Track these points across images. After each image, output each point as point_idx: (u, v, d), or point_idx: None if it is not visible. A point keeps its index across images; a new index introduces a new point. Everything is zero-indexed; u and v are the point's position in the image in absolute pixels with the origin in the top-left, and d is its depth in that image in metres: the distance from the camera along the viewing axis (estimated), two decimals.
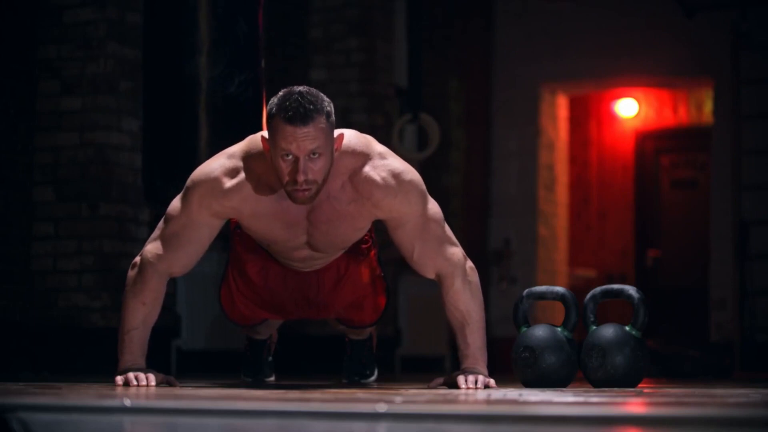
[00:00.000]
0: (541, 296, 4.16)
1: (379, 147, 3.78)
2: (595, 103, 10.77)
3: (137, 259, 3.83)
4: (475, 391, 3.63)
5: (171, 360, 6.34)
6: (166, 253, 3.78)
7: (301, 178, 3.54)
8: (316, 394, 3.30)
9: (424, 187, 3.80)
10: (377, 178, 3.72)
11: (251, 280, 4.06)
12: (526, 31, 9.60)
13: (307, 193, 3.58)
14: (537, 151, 9.65)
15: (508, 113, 9.65)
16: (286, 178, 3.57)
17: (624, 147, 10.75)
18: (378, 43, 7.70)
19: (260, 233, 3.87)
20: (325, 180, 3.61)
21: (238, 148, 3.77)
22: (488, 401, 2.98)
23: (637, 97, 10.64)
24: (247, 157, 3.72)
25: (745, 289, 8.25)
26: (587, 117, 10.79)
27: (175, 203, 3.81)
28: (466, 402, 2.93)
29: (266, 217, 3.78)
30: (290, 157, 3.54)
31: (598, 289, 4.13)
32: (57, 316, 5.98)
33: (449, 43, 9.15)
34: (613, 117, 10.77)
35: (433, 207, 3.82)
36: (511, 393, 3.42)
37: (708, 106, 10.06)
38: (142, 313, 3.78)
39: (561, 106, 9.99)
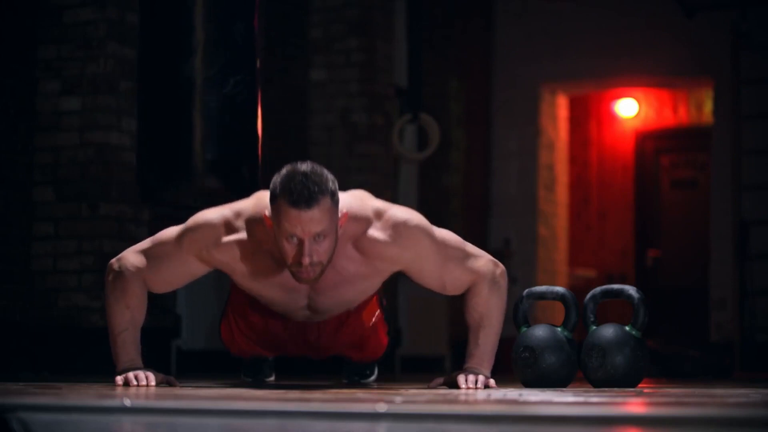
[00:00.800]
0: (541, 296, 4.16)
1: (374, 203, 3.77)
2: (595, 103, 10.77)
3: (115, 264, 3.81)
4: (475, 391, 3.63)
5: (171, 360, 6.34)
6: (147, 269, 3.77)
7: (306, 261, 3.52)
8: (316, 394, 3.30)
9: (428, 224, 3.78)
10: (384, 237, 3.70)
11: (252, 323, 4.07)
12: (526, 31, 9.61)
13: (312, 274, 3.57)
14: (537, 151, 9.65)
15: (508, 113, 9.66)
16: (290, 260, 3.55)
17: (624, 147, 10.75)
18: (378, 43, 7.70)
19: (255, 292, 3.88)
20: (330, 259, 3.59)
21: (245, 208, 3.74)
22: (488, 401, 2.98)
23: (637, 97, 10.64)
24: (251, 221, 3.70)
25: (745, 289, 8.25)
26: (587, 117, 10.79)
27: (171, 231, 3.79)
28: (466, 402, 2.93)
29: (263, 282, 3.79)
30: (295, 239, 3.51)
31: (598, 289, 4.13)
32: (57, 316, 5.98)
33: (449, 43, 9.15)
34: (613, 117, 10.77)
35: (445, 234, 3.80)
36: (511, 393, 3.42)
37: (708, 106, 10.06)
38: (128, 316, 3.78)
39: (561, 106, 9.99)
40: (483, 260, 3.83)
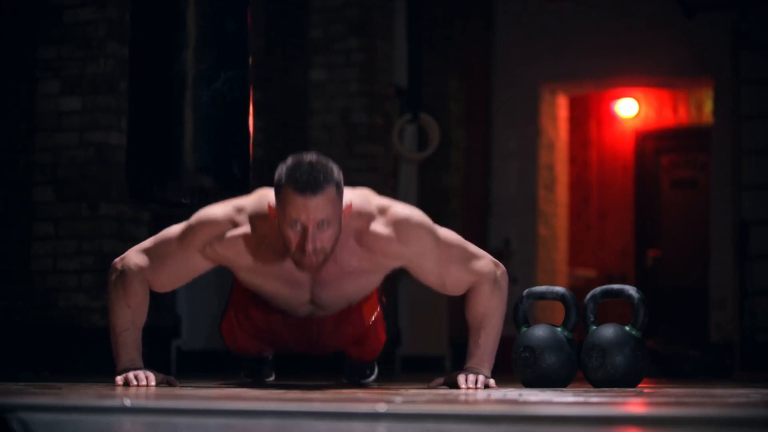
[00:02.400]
0: (541, 296, 4.17)
1: (377, 200, 3.79)
2: (595, 103, 10.77)
3: (118, 263, 3.83)
4: (475, 391, 3.64)
5: (171, 360, 6.34)
6: (150, 269, 3.79)
7: (309, 247, 3.54)
8: (316, 394, 3.30)
9: (430, 222, 3.80)
10: (387, 232, 3.73)
11: (254, 320, 4.07)
12: (526, 31, 9.61)
13: (315, 260, 3.59)
14: (537, 151, 9.65)
15: (508, 113, 9.66)
16: (294, 247, 3.57)
17: (624, 147, 10.75)
18: (378, 43, 7.70)
19: (258, 287, 3.89)
20: (333, 249, 3.61)
21: (248, 203, 3.77)
22: (488, 401, 2.98)
23: (637, 97, 10.64)
24: (254, 216, 3.73)
25: (745, 289, 8.25)
26: (587, 117, 10.79)
27: (174, 229, 3.81)
28: (466, 402, 2.93)
29: (266, 276, 3.81)
30: (299, 225, 3.54)
31: (598, 289, 4.14)
32: (57, 316, 5.98)
33: (449, 43, 9.15)
34: (613, 117, 10.77)
35: (446, 234, 3.82)
36: (511, 393, 3.42)
37: (708, 106, 10.06)
38: (129, 315, 3.79)
39: (561, 106, 9.99)
40: (484, 261, 3.84)
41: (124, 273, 3.79)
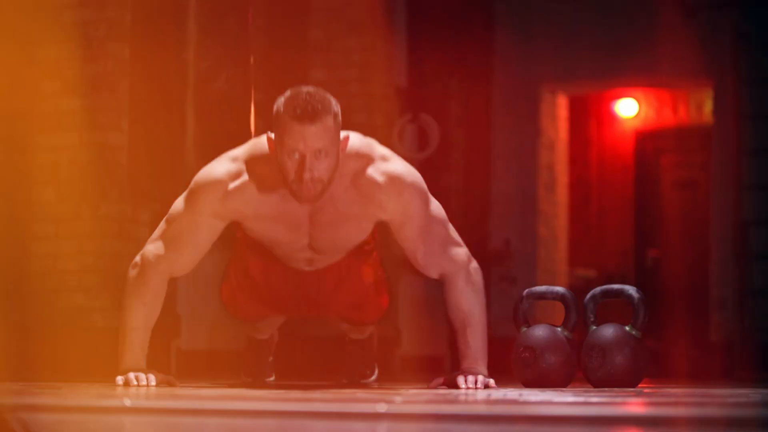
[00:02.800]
0: (541, 296, 4.17)
1: (381, 149, 3.82)
2: (595, 103, 10.77)
3: (138, 258, 3.85)
4: (475, 391, 3.64)
5: (171, 360, 6.33)
6: (167, 253, 3.80)
7: (306, 175, 3.57)
8: (317, 394, 3.30)
9: (426, 188, 3.84)
10: (380, 179, 3.75)
11: (253, 278, 4.08)
12: (526, 31, 9.60)
13: (312, 191, 3.61)
14: (537, 151, 9.64)
15: (508, 113, 9.65)
16: (292, 176, 3.60)
17: (624, 147, 10.75)
18: (378, 43, 7.70)
19: (262, 234, 3.89)
20: (330, 180, 3.64)
21: (241, 150, 3.81)
22: (488, 401, 2.98)
23: (637, 97, 10.64)
24: (251, 160, 3.76)
25: (746, 289, 8.25)
26: (587, 117, 10.78)
27: (178, 204, 3.83)
28: (466, 402, 2.93)
29: (269, 219, 3.82)
30: (297, 155, 3.57)
31: (598, 289, 4.14)
32: (57, 316, 5.98)
33: (449, 43, 9.14)
34: (613, 117, 10.77)
35: (436, 208, 3.85)
36: (511, 393, 3.42)
37: (708, 106, 10.05)
38: (143, 314, 3.80)
39: (561, 106, 9.99)
40: (461, 250, 3.88)
41: (145, 267, 3.80)
